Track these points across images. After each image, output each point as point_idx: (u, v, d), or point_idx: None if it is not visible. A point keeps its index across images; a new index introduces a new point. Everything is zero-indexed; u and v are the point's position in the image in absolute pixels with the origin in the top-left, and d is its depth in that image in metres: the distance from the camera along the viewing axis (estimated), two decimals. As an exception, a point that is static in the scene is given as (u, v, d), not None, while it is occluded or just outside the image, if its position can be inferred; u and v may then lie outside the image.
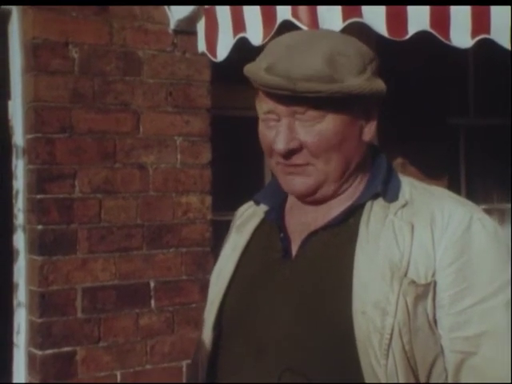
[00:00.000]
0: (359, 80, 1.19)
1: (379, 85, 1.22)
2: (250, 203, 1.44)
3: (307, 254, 1.25)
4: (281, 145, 1.21)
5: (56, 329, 2.61)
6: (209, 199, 2.95)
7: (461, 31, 2.30)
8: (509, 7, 2.30)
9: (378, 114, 1.26)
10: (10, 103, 2.78)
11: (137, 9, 2.79)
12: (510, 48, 2.34)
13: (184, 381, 2.86)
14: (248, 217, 1.40)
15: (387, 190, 1.25)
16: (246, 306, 1.28)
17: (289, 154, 1.22)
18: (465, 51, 2.54)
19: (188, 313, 2.88)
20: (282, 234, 1.29)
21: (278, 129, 1.22)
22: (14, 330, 2.77)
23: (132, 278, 2.77)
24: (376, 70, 1.24)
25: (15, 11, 2.72)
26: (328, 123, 1.20)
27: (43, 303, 2.59)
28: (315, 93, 1.16)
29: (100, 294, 2.70)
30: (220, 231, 3.15)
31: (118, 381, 2.72)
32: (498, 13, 2.37)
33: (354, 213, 1.25)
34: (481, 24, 2.32)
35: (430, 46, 2.63)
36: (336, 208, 1.27)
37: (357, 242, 1.21)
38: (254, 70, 1.21)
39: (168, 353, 2.84)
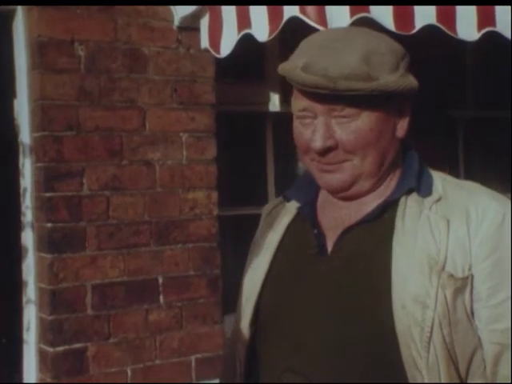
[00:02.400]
0: (394, 77, 1.21)
1: (412, 81, 1.24)
2: (279, 199, 1.45)
3: (343, 250, 1.26)
4: (319, 143, 1.22)
5: (67, 326, 2.62)
6: (215, 195, 2.97)
7: (467, 24, 2.33)
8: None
9: (410, 110, 1.28)
10: (16, 101, 2.78)
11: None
12: (513, 41, 2.38)
13: (194, 375, 2.88)
14: (280, 213, 1.41)
15: (420, 185, 1.27)
16: (284, 302, 1.29)
17: (325, 151, 1.23)
18: (463, 43, 2.56)
19: (196, 308, 2.90)
20: (315, 231, 1.30)
21: (314, 127, 1.23)
22: (23, 327, 2.78)
23: (140, 274, 2.78)
24: (408, 66, 1.26)
25: (20, 9, 2.72)
26: (364, 120, 1.22)
27: (54, 300, 2.60)
28: (355, 91, 1.18)
29: (109, 291, 2.71)
30: (225, 226, 3.17)
31: (129, 376, 2.74)
32: (502, 6, 2.40)
33: (388, 208, 1.26)
34: (486, 17, 2.35)
35: (430, 38, 2.65)
36: (369, 204, 1.28)
37: (393, 238, 1.22)
38: (289, 68, 1.22)
39: (177, 348, 2.85)
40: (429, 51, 3.62)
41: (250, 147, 3.46)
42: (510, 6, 2.38)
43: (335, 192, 1.30)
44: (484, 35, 2.41)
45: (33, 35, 2.66)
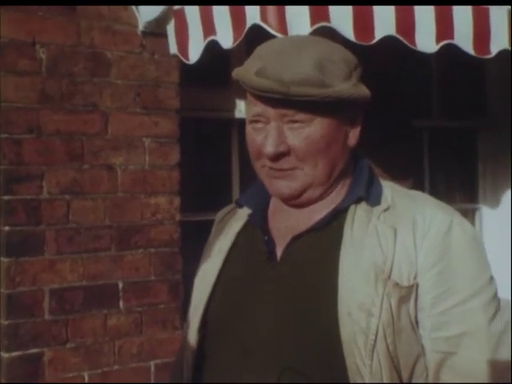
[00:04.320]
0: (347, 85, 1.23)
1: (364, 91, 1.26)
2: (231, 206, 1.46)
3: (292, 257, 1.27)
4: (270, 148, 1.23)
5: (23, 330, 2.59)
6: (177, 200, 2.96)
7: (426, 36, 2.36)
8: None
9: (362, 119, 1.29)
10: (-24, 103, 2.75)
11: (105, 8, 2.79)
12: (472, 53, 2.41)
13: (152, 381, 2.86)
14: (231, 220, 1.41)
15: (370, 195, 1.28)
16: (232, 309, 1.30)
17: (277, 157, 1.24)
18: (428, 54, 2.60)
19: (156, 313, 2.89)
20: (266, 237, 1.30)
21: (267, 132, 1.24)
22: (-21, 332, 2.75)
23: (100, 278, 2.76)
24: (360, 76, 1.27)
25: (-19, 10, 2.70)
26: (316, 127, 1.22)
27: (10, 305, 2.57)
28: (308, 96, 1.19)
29: (68, 295, 2.69)
30: (188, 232, 3.17)
31: (86, 381, 2.72)
32: (460, 18, 2.44)
33: (337, 216, 1.27)
34: (444, 30, 2.38)
35: (394, 48, 2.68)
36: (319, 212, 1.29)
37: (341, 245, 1.23)
38: (243, 73, 1.23)
39: (136, 353, 2.84)
40: (394, 61, 3.67)
41: (216, 153, 3.46)
42: (469, 15, 2.41)
43: (286, 199, 1.30)
44: (448, 45, 2.45)
45: (-6, 37, 2.63)
